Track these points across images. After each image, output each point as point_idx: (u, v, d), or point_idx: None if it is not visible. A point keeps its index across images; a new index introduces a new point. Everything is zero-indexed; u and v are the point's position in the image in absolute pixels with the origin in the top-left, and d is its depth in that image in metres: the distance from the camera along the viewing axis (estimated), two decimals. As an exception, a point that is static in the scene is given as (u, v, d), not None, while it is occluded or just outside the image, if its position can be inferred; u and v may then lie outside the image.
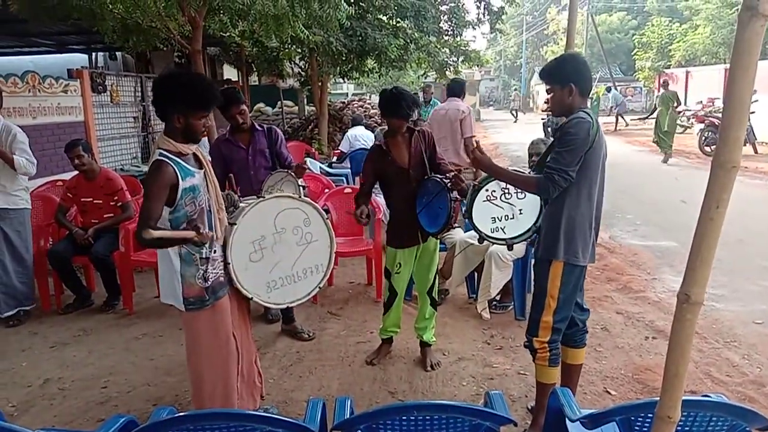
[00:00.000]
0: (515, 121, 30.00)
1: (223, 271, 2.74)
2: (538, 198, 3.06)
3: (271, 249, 2.90)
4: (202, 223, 2.58)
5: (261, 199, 2.93)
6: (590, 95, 2.98)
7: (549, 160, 2.68)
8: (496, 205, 3.21)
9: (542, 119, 20.55)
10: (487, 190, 3.19)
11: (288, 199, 2.99)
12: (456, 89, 6.79)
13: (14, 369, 3.89)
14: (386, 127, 3.67)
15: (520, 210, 3.22)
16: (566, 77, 2.72)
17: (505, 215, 3.23)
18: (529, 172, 3.03)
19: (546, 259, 2.79)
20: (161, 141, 2.54)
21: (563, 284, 2.75)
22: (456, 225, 3.62)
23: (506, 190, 3.20)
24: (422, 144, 3.57)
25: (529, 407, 3.22)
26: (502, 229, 3.24)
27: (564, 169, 2.60)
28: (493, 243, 3.35)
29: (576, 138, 2.60)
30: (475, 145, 2.95)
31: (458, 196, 3.38)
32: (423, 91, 10.27)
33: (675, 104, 13.34)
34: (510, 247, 3.36)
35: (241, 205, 3.01)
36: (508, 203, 3.21)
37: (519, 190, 3.18)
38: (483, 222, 3.21)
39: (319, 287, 3.09)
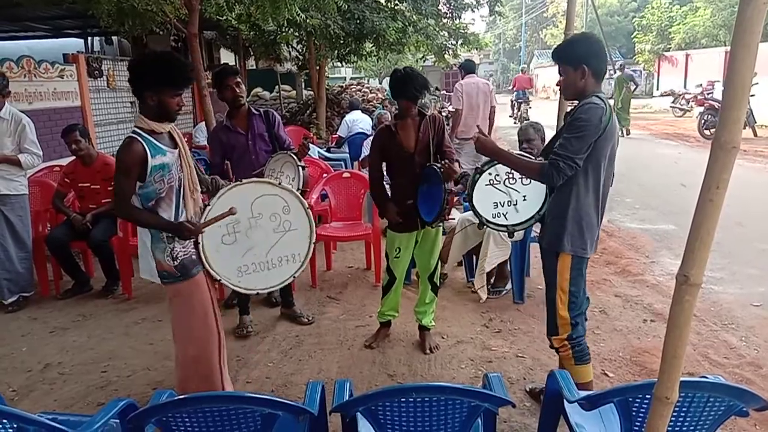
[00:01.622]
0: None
1: (194, 251, 2.75)
2: (544, 185, 2.91)
3: (245, 233, 2.86)
4: (170, 201, 2.66)
5: (239, 182, 2.90)
6: (608, 76, 2.91)
7: (557, 146, 2.57)
8: (499, 190, 3.09)
9: (511, 99, 20.62)
10: (490, 174, 3.07)
11: (267, 185, 2.94)
12: (472, 67, 7.57)
13: (14, 354, 3.91)
14: (384, 111, 3.65)
15: (524, 196, 3.09)
16: (579, 58, 2.59)
17: (508, 201, 3.10)
18: (537, 158, 2.92)
19: (553, 251, 2.71)
20: (137, 120, 2.63)
21: (573, 277, 2.67)
22: (450, 217, 3.57)
23: (510, 175, 3.06)
24: (431, 130, 3.52)
25: (528, 389, 3.24)
26: (504, 215, 3.11)
27: (571, 156, 2.50)
28: (494, 229, 3.25)
29: (587, 125, 2.49)
30: (478, 130, 2.90)
31: (452, 188, 3.35)
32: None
33: (630, 85, 15.34)
34: (511, 234, 3.32)
35: None
36: (512, 188, 3.08)
37: (524, 176, 3.05)
38: (484, 206, 3.10)
39: (294, 276, 3.00)
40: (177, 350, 2.86)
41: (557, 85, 2.77)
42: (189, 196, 2.74)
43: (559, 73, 2.70)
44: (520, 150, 4.19)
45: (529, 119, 19.59)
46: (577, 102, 2.68)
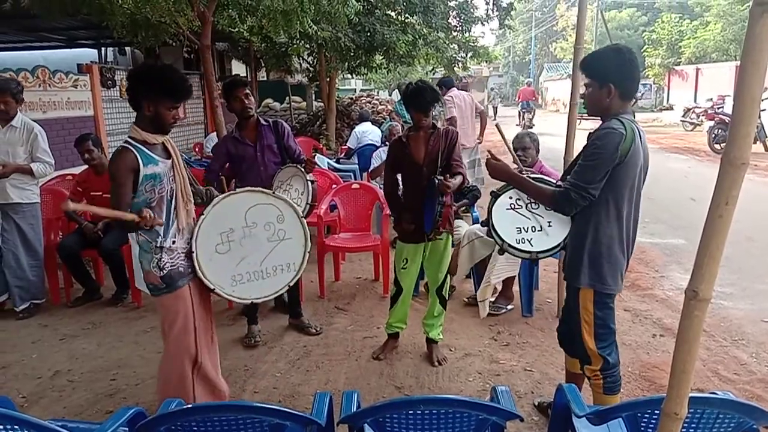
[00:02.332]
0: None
1: (183, 262, 2.75)
2: None
3: (239, 242, 2.85)
4: (160, 211, 2.66)
5: (232, 192, 2.91)
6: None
7: (572, 173, 2.47)
8: (522, 215, 2.88)
9: (518, 110, 22.55)
10: (510, 198, 2.89)
11: (261, 194, 2.93)
12: (451, 83, 8.10)
13: (24, 361, 3.93)
14: (395, 123, 3.68)
15: (549, 222, 2.86)
16: (606, 74, 2.42)
17: (532, 226, 2.88)
18: (557, 182, 2.76)
19: (573, 285, 2.61)
20: (130, 130, 2.65)
21: (597, 310, 2.55)
22: (456, 227, 3.54)
23: (532, 200, 2.84)
24: (442, 143, 3.52)
25: (536, 403, 3.21)
26: (529, 241, 2.87)
27: (584, 186, 2.39)
28: (517, 256, 3.06)
29: (601, 153, 2.36)
30: (489, 155, 2.85)
31: (447, 201, 3.34)
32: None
33: None
34: (535, 262, 3.19)
35: None
36: (535, 213, 2.87)
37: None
38: (507, 232, 2.88)
39: (289, 285, 2.96)
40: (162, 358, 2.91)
41: (581, 97, 2.68)
42: (182, 207, 2.74)
43: (585, 85, 2.56)
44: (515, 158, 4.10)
45: (533, 126, 20.66)
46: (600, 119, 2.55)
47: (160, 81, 2.59)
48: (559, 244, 2.86)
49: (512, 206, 2.90)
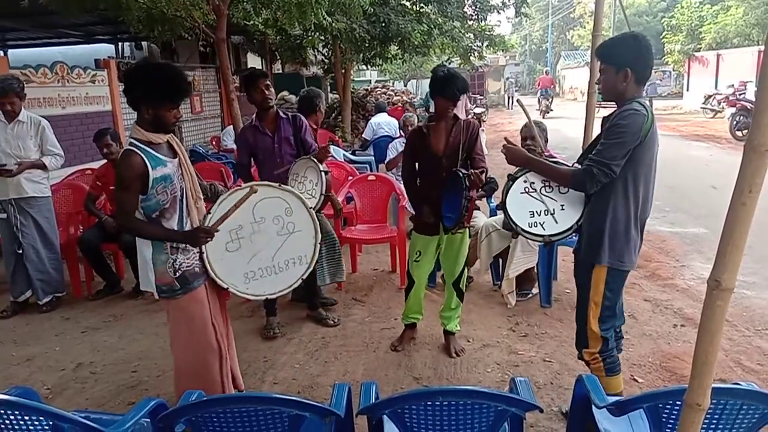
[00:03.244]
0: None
1: (198, 262, 2.72)
2: (583, 194, 2.77)
3: (249, 239, 2.82)
4: (174, 211, 2.61)
5: (237, 188, 2.85)
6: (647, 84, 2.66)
7: (594, 152, 2.51)
8: (535, 199, 2.88)
9: (538, 97, 23.81)
10: (525, 182, 2.88)
11: (267, 188, 2.89)
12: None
13: (48, 353, 4.00)
14: (411, 114, 3.65)
15: (562, 206, 2.87)
16: (624, 60, 2.49)
17: (545, 210, 2.88)
18: (573, 165, 2.79)
19: (589, 263, 2.64)
20: (133, 130, 2.56)
21: (607, 290, 2.61)
22: (474, 219, 3.50)
23: (546, 183, 2.85)
24: (463, 134, 3.46)
25: (563, 411, 3.06)
26: (542, 225, 2.89)
27: (607, 162, 2.43)
28: (530, 239, 3.10)
29: (626, 132, 2.42)
30: (505, 141, 2.84)
31: (474, 196, 3.27)
32: None
33: None
34: (547, 245, 3.19)
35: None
36: (549, 197, 2.87)
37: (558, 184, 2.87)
38: (520, 215, 2.89)
39: (302, 279, 2.94)
40: (175, 362, 2.87)
41: (597, 83, 2.68)
42: (192, 205, 2.70)
43: (600, 71, 2.60)
44: (523, 146, 4.02)
45: (551, 111, 21.10)
46: (615, 106, 2.58)
47: (157, 83, 2.50)
48: (571, 227, 2.87)
49: (526, 190, 2.90)
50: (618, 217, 2.55)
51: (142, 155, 2.47)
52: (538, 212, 2.89)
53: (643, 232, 2.68)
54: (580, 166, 2.61)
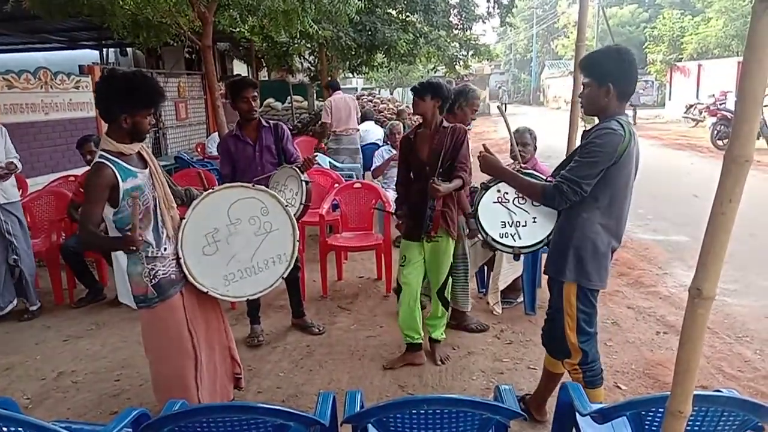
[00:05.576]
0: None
1: (175, 269, 2.71)
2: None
3: (225, 241, 2.81)
4: (148, 222, 2.60)
5: (210, 191, 2.85)
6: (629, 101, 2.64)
7: (567, 168, 2.50)
8: (508, 209, 2.87)
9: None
10: (499, 191, 2.87)
11: (241, 189, 2.89)
12: (336, 85, 8.73)
13: (28, 362, 3.94)
14: (397, 122, 3.68)
15: (534, 218, 2.86)
16: (606, 74, 2.44)
17: (516, 221, 2.87)
18: (547, 178, 2.78)
19: (557, 279, 2.63)
20: (102, 141, 2.54)
21: (580, 304, 2.58)
22: (438, 234, 3.51)
23: (520, 195, 2.84)
24: (447, 141, 3.45)
25: (519, 396, 3.05)
26: (512, 236, 2.88)
27: (578, 181, 2.42)
28: (500, 250, 3.07)
29: (600, 151, 2.39)
30: (483, 148, 2.85)
31: (438, 205, 3.36)
32: None
33: None
34: (516, 257, 3.18)
35: None
36: (522, 208, 2.85)
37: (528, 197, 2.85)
38: (491, 225, 2.89)
39: (283, 277, 2.93)
40: (150, 369, 2.87)
41: (579, 96, 2.69)
42: (166, 214, 2.69)
43: (583, 84, 2.57)
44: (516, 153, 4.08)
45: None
46: (596, 118, 2.56)
47: (136, 91, 2.49)
48: (542, 241, 2.87)
49: (499, 200, 2.89)
50: (587, 234, 2.52)
51: (113, 167, 2.46)
52: (510, 223, 2.88)
53: (615, 251, 2.64)
54: (554, 180, 2.59)
